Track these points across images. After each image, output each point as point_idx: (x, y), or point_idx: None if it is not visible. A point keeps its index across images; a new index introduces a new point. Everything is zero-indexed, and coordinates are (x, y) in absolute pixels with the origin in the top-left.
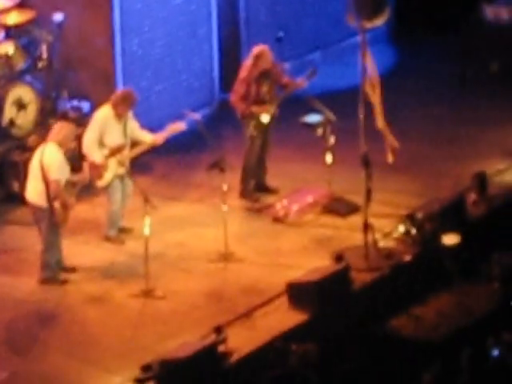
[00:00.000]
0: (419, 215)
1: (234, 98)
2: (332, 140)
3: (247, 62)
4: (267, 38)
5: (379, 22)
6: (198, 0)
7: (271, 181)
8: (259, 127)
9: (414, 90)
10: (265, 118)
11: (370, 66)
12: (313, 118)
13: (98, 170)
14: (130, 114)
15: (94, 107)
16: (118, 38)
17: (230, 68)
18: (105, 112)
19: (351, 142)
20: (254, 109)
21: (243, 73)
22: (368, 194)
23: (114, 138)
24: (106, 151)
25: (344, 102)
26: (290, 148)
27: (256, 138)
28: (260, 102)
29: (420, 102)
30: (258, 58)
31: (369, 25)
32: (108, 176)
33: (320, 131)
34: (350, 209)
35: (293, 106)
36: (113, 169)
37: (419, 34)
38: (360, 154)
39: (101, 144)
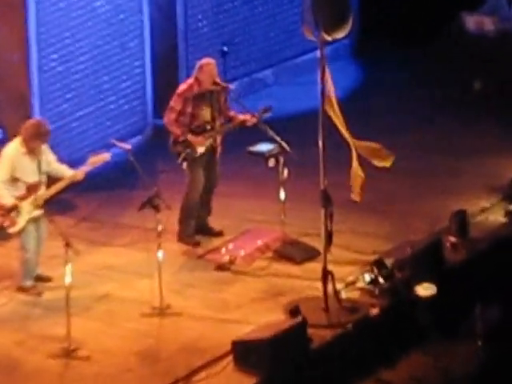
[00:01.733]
0: (389, 262)
1: (168, 118)
2: (286, 173)
3: (190, 77)
4: (210, 53)
5: (341, 34)
6: (128, 8)
7: (215, 221)
8: (192, 160)
9: (381, 112)
10: (199, 150)
11: (329, 85)
12: (263, 147)
13: (8, 214)
14: (45, 147)
15: (8, 135)
16: (33, 52)
17: (166, 88)
18: (14, 147)
19: (309, 174)
20: (189, 137)
21: (182, 86)
22: (328, 237)
23: (27, 175)
24: (17, 192)
25: (301, 127)
26: (237, 182)
27: (196, 171)
28: (198, 130)
29: (388, 127)
30: (200, 71)
31: (328, 38)
32: (21, 221)
33: (272, 162)
34: (306, 254)
35: (241, 132)
36: (26, 212)
37: (385, 47)
38: (319, 190)
39: (12, 183)
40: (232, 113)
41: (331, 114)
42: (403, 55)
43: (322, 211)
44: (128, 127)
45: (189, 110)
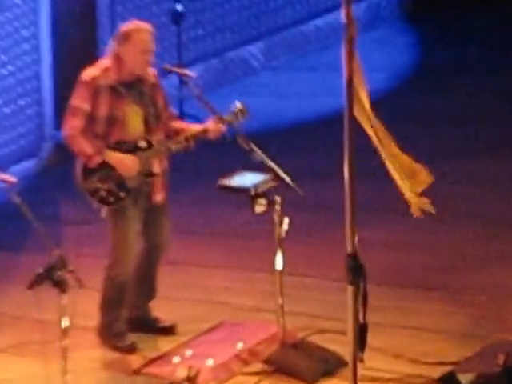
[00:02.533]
0: (466, 379)
1: (69, 127)
2: (286, 224)
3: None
4: (151, 16)
5: None
6: None
7: (164, 309)
8: (117, 204)
9: (443, 119)
10: (130, 184)
11: (357, 71)
12: (245, 180)
13: None
14: None
15: None
16: None
17: (71, 93)
18: None
19: (323, 221)
20: (111, 158)
21: (90, 71)
22: (360, 334)
23: None
24: None
25: (307, 141)
26: (201, 240)
27: (125, 224)
28: (122, 149)
29: (458, 127)
30: (124, 43)
31: None
32: None
33: (261, 206)
34: (322, 366)
35: (205, 153)
36: None
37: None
38: (344, 254)
39: None
40: (179, 122)
41: (362, 120)
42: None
43: (350, 290)
44: (17, 150)
45: (103, 111)
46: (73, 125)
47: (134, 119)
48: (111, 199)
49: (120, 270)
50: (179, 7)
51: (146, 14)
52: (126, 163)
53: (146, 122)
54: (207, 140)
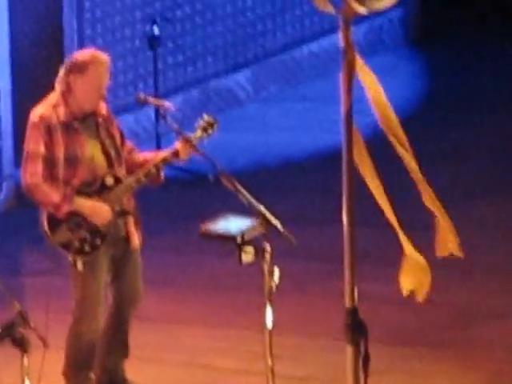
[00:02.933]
0: None
1: (30, 175)
2: (276, 276)
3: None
4: (117, 40)
5: (384, 1)
6: None
7: (137, 371)
8: (95, 253)
9: (463, 149)
10: (104, 227)
11: (372, 87)
12: (230, 226)
13: None
14: None
15: None
16: None
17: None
18: None
19: (318, 274)
20: (83, 205)
21: (39, 109)
22: None
23: None
24: None
25: (300, 181)
26: (179, 292)
27: (92, 278)
28: (87, 191)
29: (468, 164)
30: (80, 74)
31: (361, 9)
32: None
33: (249, 255)
34: None
35: (187, 192)
36: None
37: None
38: (343, 308)
39: None
40: (141, 154)
41: (361, 163)
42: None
43: (349, 350)
44: None
45: (61, 152)
46: (33, 172)
47: (94, 155)
48: (87, 248)
49: (87, 326)
50: (156, 30)
51: (118, 38)
52: (98, 211)
53: (108, 157)
54: (186, 179)
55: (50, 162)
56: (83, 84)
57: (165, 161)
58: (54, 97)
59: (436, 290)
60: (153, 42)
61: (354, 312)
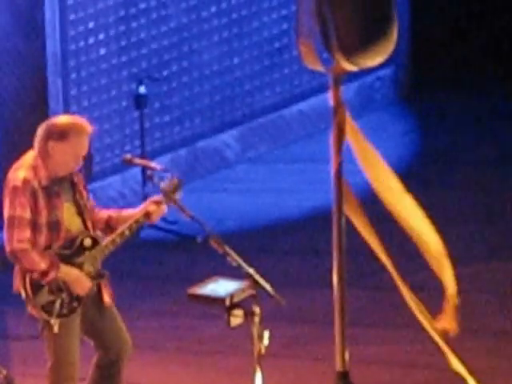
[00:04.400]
0: None
1: (17, 241)
2: (266, 340)
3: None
4: (108, 99)
5: (376, 58)
6: None
7: None
8: (71, 314)
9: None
10: (81, 292)
11: (360, 147)
12: (219, 288)
13: None
14: None
15: None
16: None
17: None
18: None
19: (308, 337)
20: (63, 270)
21: (20, 173)
22: None
23: None
24: None
25: (289, 244)
26: (166, 356)
27: (69, 336)
28: (65, 253)
29: (463, 227)
30: (62, 141)
31: (351, 67)
32: None
33: (237, 318)
34: None
35: (174, 255)
36: None
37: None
38: (334, 371)
39: None
40: (101, 211)
41: (355, 219)
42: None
43: None
44: None
45: (43, 217)
46: (20, 238)
47: (71, 218)
48: (65, 311)
49: None
50: (142, 90)
51: (104, 98)
52: (81, 281)
53: (83, 218)
54: (174, 241)
55: (34, 227)
56: (62, 151)
57: (137, 222)
58: (32, 159)
59: (430, 354)
60: (139, 101)
61: (345, 375)
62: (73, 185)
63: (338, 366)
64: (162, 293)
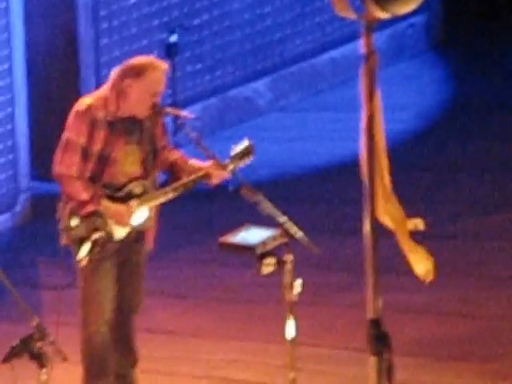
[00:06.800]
0: None
1: (63, 164)
2: (298, 286)
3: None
4: (141, 48)
5: (408, 5)
6: None
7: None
8: (105, 253)
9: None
10: (119, 233)
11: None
12: (250, 236)
13: None
14: None
15: None
16: None
17: (55, 125)
18: None
19: (341, 284)
20: (109, 207)
21: (86, 100)
22: None
23: None
24: None
25: (320, 191)
26: (198, 304)
27: (100, 279)
28: (113, 194)
29: (496, 176)
30: (137, 79)
31: (383, 14)
32: None
33: (269, 266)
34: None
35: (207, 203)
36: None
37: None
38: (367, 320)
39: None
40: (174, 153)
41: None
42: None
43: (372, 361)
44: None
45: (96, 148)
46: (69, 162)
47: (129, 161)
48: (97, 249)
49: (95, 326)
50: (173, 38)
51: (135, 47)
52: (121, 215)
53: (143, 163)
54: (206, 190)
55: (85, 155)
56: (139, 88)
57: (194, 182)
58: (105, 91)
59: (463, 301)
60: (171, 50)
61: (377, 323)
62: (142, 129)
63: (371, 314)
64: (194, 241)
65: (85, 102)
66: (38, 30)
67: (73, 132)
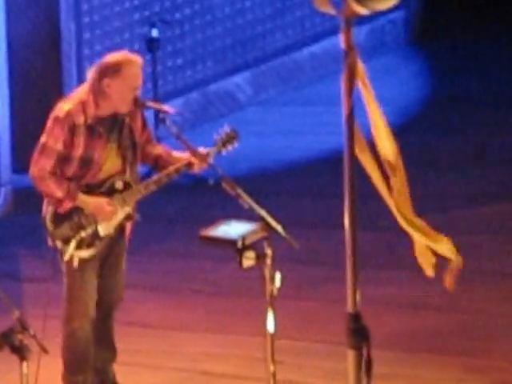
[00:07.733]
0: None
1: (38, 168)
2: (278, 280)
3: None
4: (123, 42)
5: (390, 1)
6: None
7: (136, 377)
8: (95, 251)
9: (461, 146)
10: (104, 230)
11: (368, 97)
12: (231, 230)
13: None
14: None
15: None
16: None
17: (38, 117)
18: None
19: (320, 278)
20: (81, 199)
21: (65, 105)
22: None
23: None
24: None
25: (300, 184)
26: (178, 298)
27: (84, 277)
28: (96, 191)
29: (474, 170)
30: (114, 76)
31: (362, 10)
32: None
33: (249, 259)
34: None
35: (187, 197)
36: None
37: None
38: (344, 313)
39: None
40: (157, 147)
41: (364, 161)
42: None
43: (351, 355)
44: None
45: (78, 152)
46: (42, 166)
47: (110, 159)
48: (83, 247)
49: (79, 323)
50: (155, 33)
51: (116, 41)
52: (103, 207)
53: (123, 160)
54: (186, 184)
55: (63, 160)
56: (118, 85)
57: (177, 171)
58: (84, 93)
59: (442, 295)
60: (152, 44)
61: (356, 316)
62: (122, 125)
63: (350, 308)
64: (174, 235)
65: (64, 108)
66: (20, 24)
67: (51, 138)
